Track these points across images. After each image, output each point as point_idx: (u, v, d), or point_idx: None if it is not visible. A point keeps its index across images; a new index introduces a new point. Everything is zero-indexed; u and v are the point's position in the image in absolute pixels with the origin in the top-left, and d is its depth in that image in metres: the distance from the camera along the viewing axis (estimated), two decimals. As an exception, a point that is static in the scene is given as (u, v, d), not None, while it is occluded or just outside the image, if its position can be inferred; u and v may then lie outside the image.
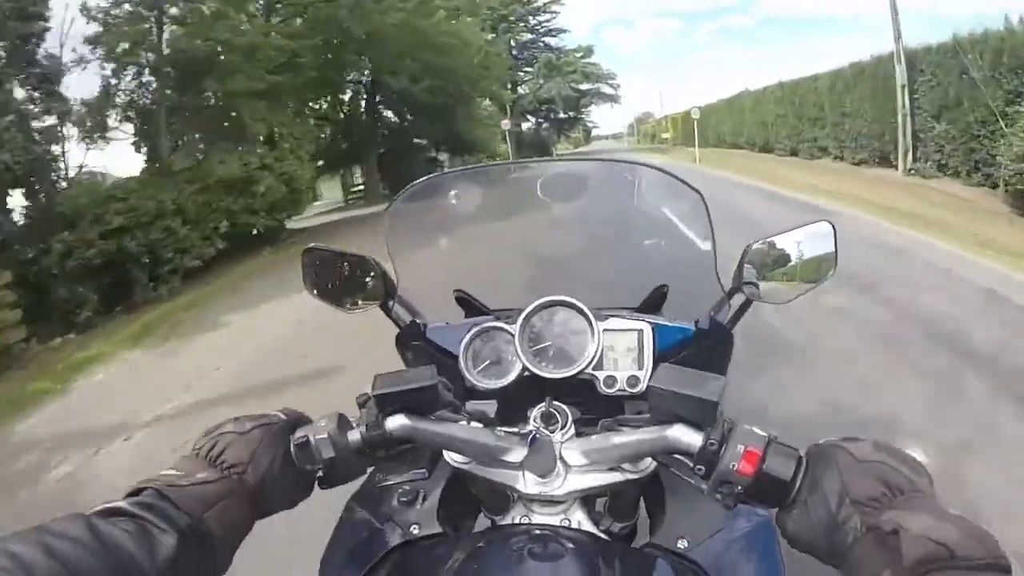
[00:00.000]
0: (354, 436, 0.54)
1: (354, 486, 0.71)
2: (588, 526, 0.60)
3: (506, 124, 20.94)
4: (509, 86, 38.95)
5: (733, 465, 0.46)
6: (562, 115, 41.78)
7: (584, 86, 40.02)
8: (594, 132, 60.00)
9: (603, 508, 0.70)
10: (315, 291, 0.82)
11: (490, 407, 0.69)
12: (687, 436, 0.49)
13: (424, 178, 0.94)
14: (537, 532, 0.56)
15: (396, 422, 0.54)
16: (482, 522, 0.69)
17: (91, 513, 0.39)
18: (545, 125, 40.97)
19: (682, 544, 0.65)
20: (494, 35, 34.94)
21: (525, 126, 38.00)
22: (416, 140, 17.58)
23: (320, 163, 13.98)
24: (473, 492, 0.69)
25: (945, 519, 0.38)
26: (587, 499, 0.62)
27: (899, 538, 0.37)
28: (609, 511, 0.70)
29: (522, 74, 38.69)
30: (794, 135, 15.40)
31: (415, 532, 0.68)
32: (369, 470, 0.64)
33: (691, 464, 0.49)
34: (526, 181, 1.17)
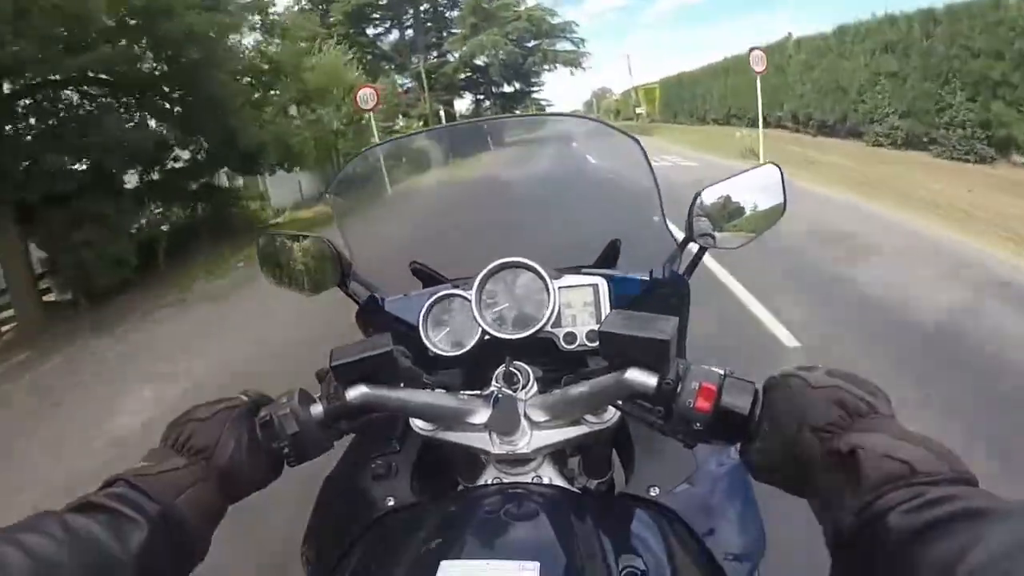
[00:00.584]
0: (316, 410, 0.63)
1: (329, 467, 0.88)
2: (559, 481, 0.71)
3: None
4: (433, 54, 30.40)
5: (690, 403, 0.54)
6: (506, 88, 32.72)
7: (532, 43, 30.42)
8: (548, 110, 53.20)
9: (577, 466, 0.84)
10: (273, 277, 0.99)
11: (455, 374, 0.83)
12: (642, 378, 0.56)
13: (364, 149, 1.11)
14: (508, 491, 0.65)
15: (356, 392, 0.63)
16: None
17: (64, 509, 0.49)
18: (486, 104, 32.66)
19: (653, 492, 0.74)
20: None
21: (461, 106, 32.29)
22: (181, 160, 9.95)
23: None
24: (447, 460, 0.83)
25: (905, 438, 0.45)
26: (557, 456, 0.74)
27: (857, 459, 0.44)
28: (583, 468, 0.83)
29: (448, 35, 30.55)
30: (926, 110, 9.34)
31: (390, 504, 0.78)
32: (342, 447, 0.77)
33: (650, 406, 0.58)
34: (472, 141, 1.22)
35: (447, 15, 29.52)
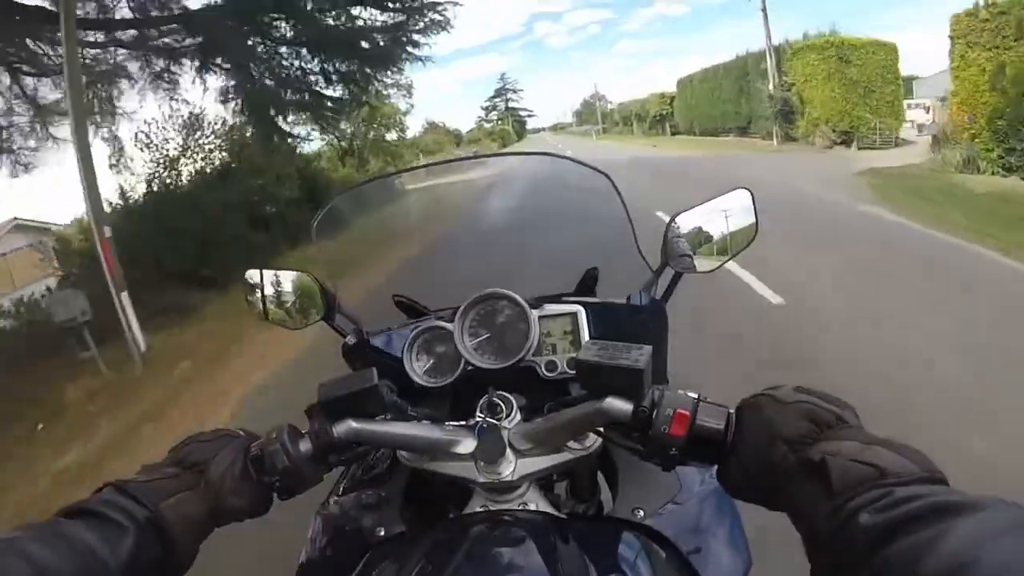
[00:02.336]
0: (305, 445, 0.65)
1: (319, 500, 0.89)
2: (546, 507, 0.73)
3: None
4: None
5: (665, 428, 0.56)
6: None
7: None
8: (531, 123, 52.42)
9: (564, 491, 0.87)
10: (258, 312, 1.00)
11: (440, 405, 0.84)
12: (619, 405, 0.59)
13: (345, 190, 1.24)
14: (496, 518, 0.68)
15: (343, 427, 0.65)
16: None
17: (55, 515, 0.51)
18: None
19: (639, 514, 0.76)
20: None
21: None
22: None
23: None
24: (435, 490, 0.85)
25: (873, 442, 0.47)
26: (543, 482, 0.77)
27: (827, 466, 0.46)
28: (570, 493, 0.86)
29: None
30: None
31: (381, 535, 0.79)
32: (332, 480, 0.78)
33: (628, 433, 0.60)
34: (449, 180, 1.25)
35: None
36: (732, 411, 0.57)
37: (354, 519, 0.83)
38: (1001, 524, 0.36)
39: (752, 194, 0.90)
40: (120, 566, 0.49)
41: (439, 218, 1.42)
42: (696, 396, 0.58)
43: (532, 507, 0.71)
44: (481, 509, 0.72)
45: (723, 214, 0.89)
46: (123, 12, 8.99)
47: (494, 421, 0.73)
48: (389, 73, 11.81)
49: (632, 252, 0.97)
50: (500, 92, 46.00)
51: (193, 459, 0.61)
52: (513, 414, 0.76)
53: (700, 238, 0.90)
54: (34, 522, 0.49)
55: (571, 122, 63.54)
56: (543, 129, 61.86)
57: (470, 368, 0.89)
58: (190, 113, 10.35)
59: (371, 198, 1.19)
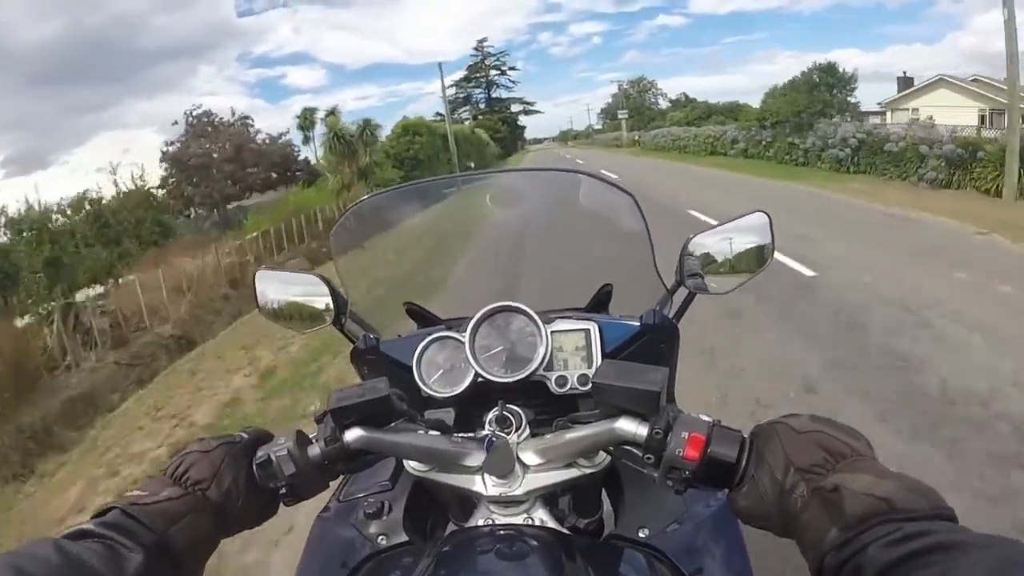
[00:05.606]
0: (314, 451, 0.65)
1: (321, 503, 0.88)
2: (550, 523, 0.73)
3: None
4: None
5: (679, 451, 0.56)
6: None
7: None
8: (529, 132, 37.78)
9: (567, 506, 0.86)
10: (269, 313, 1.01)
11: (448, 415, 0.84)
12: (633, 427, 0.60)
13: (367, 196, 1.17)
14: (500, 532, 0.68)
15: (353, 435, 0.66)
16: (451, 529, 0.84)
17: (59, 537, 0.50)
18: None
19: (643, 533, 0.77)
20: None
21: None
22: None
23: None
24: (439, 500, 0.85)
25: (885, 476, 0.48)
26: (549, 497, 0.75)
27: (840, 496, 0.47)
28: (573, 508, 0.85)
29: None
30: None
31: (382, 543, 0.80)
32: (335, 485, 0.76)
33: (641, 454, 0.60)
34: (469, 193, 1.33)
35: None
36: (746, 436, 0.57)
37: (357, 525, 0.83)
38: (1003, 563, 0.37)
39: (769, 217, 0.90)
40: None
41: (458, 225, 1.42)
42: (711, 420, 0.57)
43: (538, 522, 0.71)
44: (485, 522, 0.71)
45: (739, 234, 0.90)
46: None
47: (504, 435, 0.74)
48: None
49: (646, 270, 0.97)
50: (477, 68, 29.14)
51: (196, 477, 0.60)
52: (522, 428, 0.77)
53: (715, 259, 0.91)
54: (34, 541, 0.47)
55: (586, 129, 44.38)
56: (547, 139, 47.02)
57: (480, 380, 0.89)
58: None
59: (393, 204, 1.19)
